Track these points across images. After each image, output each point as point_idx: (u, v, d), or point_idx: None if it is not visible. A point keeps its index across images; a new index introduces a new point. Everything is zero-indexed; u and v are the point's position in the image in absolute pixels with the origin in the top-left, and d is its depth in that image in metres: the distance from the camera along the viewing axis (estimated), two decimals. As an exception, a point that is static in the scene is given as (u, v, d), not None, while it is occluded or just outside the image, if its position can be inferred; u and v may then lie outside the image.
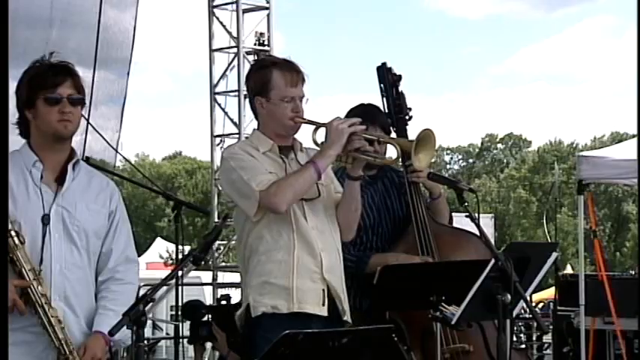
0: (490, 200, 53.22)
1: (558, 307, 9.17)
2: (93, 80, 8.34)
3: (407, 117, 4.94)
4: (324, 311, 3.92)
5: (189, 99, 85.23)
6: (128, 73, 9.02)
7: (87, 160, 4.30)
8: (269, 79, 3.97)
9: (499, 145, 59.53)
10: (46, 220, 3.46)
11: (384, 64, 5.01)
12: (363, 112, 4.77)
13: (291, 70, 3.99)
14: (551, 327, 9.46)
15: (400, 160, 4.01)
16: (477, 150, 59.80)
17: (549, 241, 11.20)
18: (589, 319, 8.43)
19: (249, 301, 3.91)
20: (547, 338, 11.54)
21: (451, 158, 61.00)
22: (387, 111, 4.93)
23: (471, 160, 60.08)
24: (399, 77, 4.98)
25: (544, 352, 11.79)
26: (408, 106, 4.96)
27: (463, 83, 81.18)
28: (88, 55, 8.41)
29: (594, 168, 8.43)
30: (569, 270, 15.81)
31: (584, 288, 8.33)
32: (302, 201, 3.94)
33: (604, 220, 47.34)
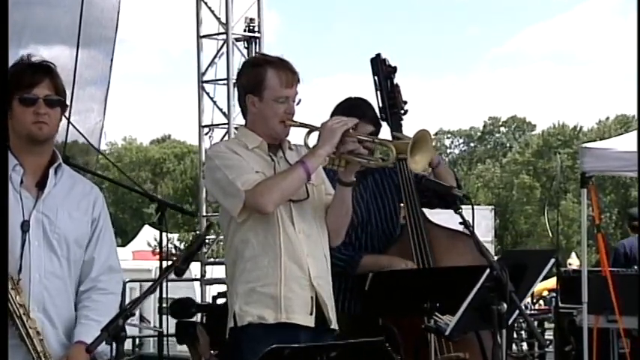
0: (492, 186, 53.27)
1: (560, 305, 9.17)
2: (76, 60, 8.30)
3: (402, 111, 4.94)
4: (311, 321, 3.94)
5: (179, 80, 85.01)
6: (112, 55, 8.96)
7: (66, 160, 4.30)
8: (263, 78, 3.97)
9: (502, 129, 59.56)
10: (25, 227, 3.46)
11: (378, 55, 4.99)
12: (350, 106, 4.77)
13: (286, 70, 3.99)
14: (552, 324, 9.47)
15: (395, 162, 4.02)
16: (479, 134, 59.83)
17: (550, 232, 11.18)
18: (592, 317, 8.44)
19: (235, 309, 3.93)
20: (549, 335, 11.56)
21: (452, 142, 61.01)
22: (380, 105, 4.92)
23: (472, 145, 60.12)
24: (394, 69, 4.96)
25: (546, 349, 11.81)
26: (404, 100, 4.95)
27: (465, 64, 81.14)
28: (71, 34, 8.37)
29: (598, 160, 8.42)
30: (574, 258, 15.76)
31: (587, 285, 8.34)
32: (290, 202, 3.95)
33: (611, 207, 47.40)
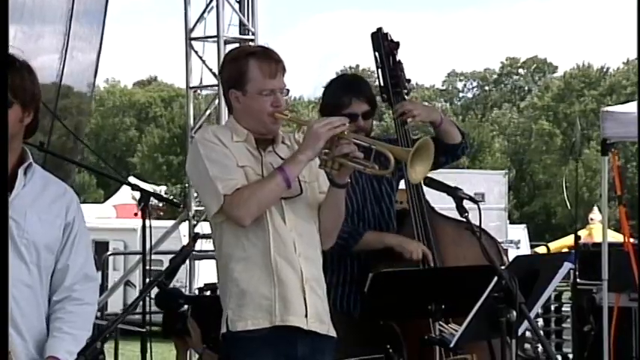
0: (509, 133, 53.27)
1: (578, 281, 9.17)
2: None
3: (405, 90, 4.94)
4: (307, 323, 3.98)
5: (166, 13, 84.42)
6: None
7: (41, 146, 4.27)
8: (245, 71, 4.00)
9: (520, 71, 59.36)
10: None
11: (379, 29, 4.99)
12: (344, 83, 4.87)
13: (269, 59, 4.02)
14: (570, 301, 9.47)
15: (392, 171, 4.04)
16: (494, 76, 59.64)
17: (568, 202, 11.13)
18: (613, 295, 8.46)
19: (228, 313, 3.99)
20: (566, 308, 11.60)
21: (464, 85, 60.91)
22: (382, 84, 4.93)
23: (487, 88, 59.95)
24: (397, 44, 4.97)
25: (562, 325, 11.88)
26: (407, 78, 4.96)
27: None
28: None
29: (621, 125, 8.30)
30: (595, 212, 15.67)
31: (608, 260, 8.34)
32: (281, 199, 4.00)
33: (636, 158, 47.49)
